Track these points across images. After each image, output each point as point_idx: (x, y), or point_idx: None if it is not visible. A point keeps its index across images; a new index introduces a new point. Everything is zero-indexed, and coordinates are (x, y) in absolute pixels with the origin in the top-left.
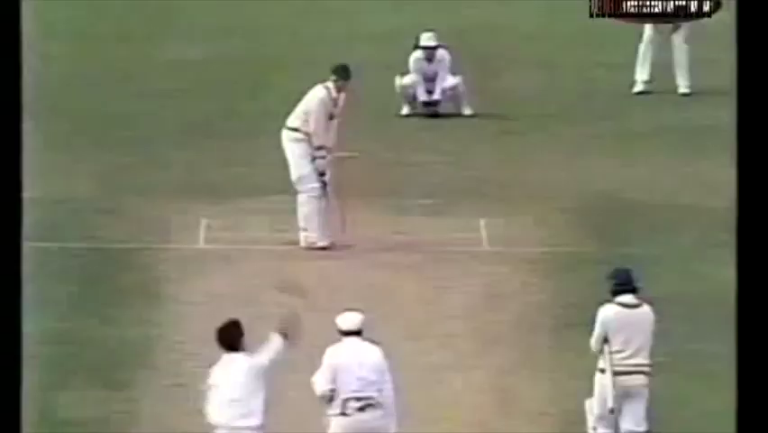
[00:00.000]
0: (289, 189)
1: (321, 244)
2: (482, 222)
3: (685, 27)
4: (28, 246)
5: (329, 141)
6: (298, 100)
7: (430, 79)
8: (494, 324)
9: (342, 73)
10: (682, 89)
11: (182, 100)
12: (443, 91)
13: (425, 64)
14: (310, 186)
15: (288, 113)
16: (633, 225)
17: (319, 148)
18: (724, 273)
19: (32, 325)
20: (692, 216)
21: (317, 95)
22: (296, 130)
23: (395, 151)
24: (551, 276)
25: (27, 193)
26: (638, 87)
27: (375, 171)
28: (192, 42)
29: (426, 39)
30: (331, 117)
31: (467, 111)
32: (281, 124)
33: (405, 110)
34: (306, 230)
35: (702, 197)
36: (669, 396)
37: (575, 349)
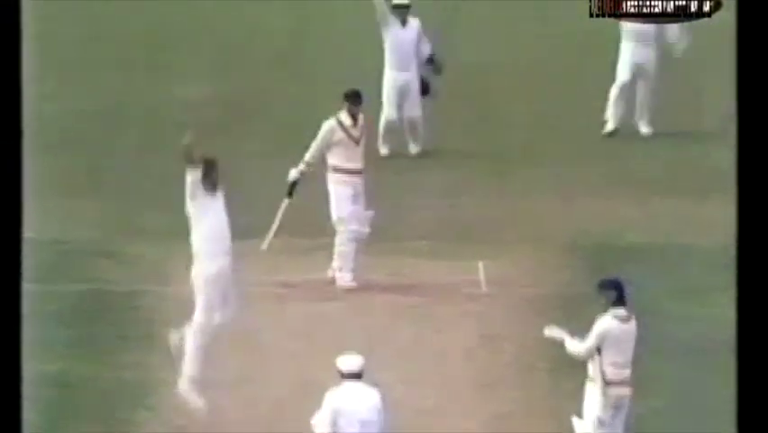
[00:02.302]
0: (286, 232)
1: (354, 285)
2: (480, 264)
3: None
4: (26, 288)
5: (357, 165)
6: (295, 139)
7: (404, 54)
8: (492, 366)
9: (353, 98)
10: (644, 129)
11: (182, 140)
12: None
13: (399, 30)
14: (349, 228)
15: (285, 151)
16: (630, 265)
17: (349, 172)
18: (722, 315)
19: (31, 366)
20: (690, 257)
21: (324, 127)
22: (333, 170)
23: (390, 191)
24: (549, 318)
25: (25, 234)
26: (609, 127)
27: (370, 215)
28: (191, 81)
29: None
30: (357, 143)
31: (414, 150)
32: (278, 165)
33: (384, 150)
34: (340, 270)
35: (700, 237)
36: None
37: (573, 391)
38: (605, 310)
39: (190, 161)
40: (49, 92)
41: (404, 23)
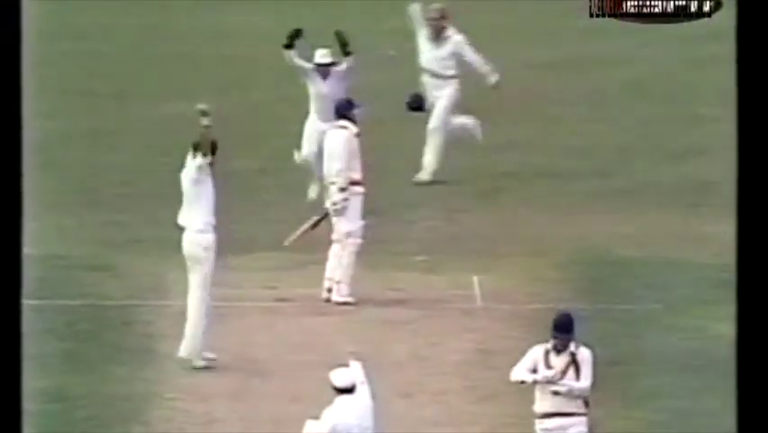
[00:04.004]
0: (281, 246)
1: (352, 299)
2: (476, 279)
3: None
4: (23, 303)
5: (360, 175)
6: (292, 156)
7: (326, 105)
8: (488, 380)
9: (349, 105)
10: (423, 176)
11: (176, 157)
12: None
13: (321, 84)
14: (355, 240)
15: (282, 168)
16: (626, 281)
17: (358, 184)
18: (718, 329)
19: (27, 382)
20: (685, 273)
21: (341, 140)
22: (342, 189)
23: (387, 207)
24: (544, 333)
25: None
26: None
27: (367, 227)
28: (186, 99)
29: (321, 56)
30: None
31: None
32: (275, 181)
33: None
34: (339, 282)
35: (695, 252)
36: None
37: None
38: (561, 346)
39: (207, 142)
40: (44, 111)
41: (325, 77)
